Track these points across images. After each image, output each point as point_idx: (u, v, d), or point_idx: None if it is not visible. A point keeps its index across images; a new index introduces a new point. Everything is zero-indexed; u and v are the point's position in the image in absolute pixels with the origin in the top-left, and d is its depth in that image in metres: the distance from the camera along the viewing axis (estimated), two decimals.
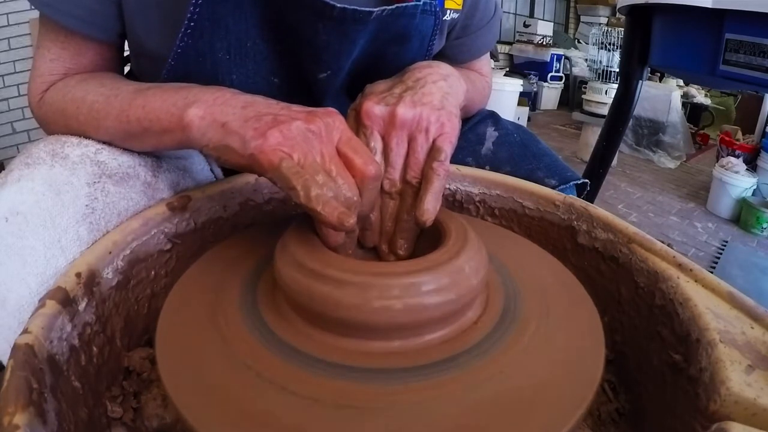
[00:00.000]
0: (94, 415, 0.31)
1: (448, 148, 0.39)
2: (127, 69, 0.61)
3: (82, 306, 0.32)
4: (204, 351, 0.31)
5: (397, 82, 0.43)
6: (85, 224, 0.37)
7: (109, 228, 0.39)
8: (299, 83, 0.51)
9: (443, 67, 0.46)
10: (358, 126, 0.40)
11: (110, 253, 0.36)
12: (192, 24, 0.42)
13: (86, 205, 0.38)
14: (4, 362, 0.32)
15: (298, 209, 0.33)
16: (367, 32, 0.47)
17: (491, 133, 0.61)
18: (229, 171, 0.56)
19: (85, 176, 0.39)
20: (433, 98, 0.41)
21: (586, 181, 0.58)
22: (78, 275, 0.33)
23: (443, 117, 0.39)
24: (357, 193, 0.34)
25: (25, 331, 0.27)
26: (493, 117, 0.64)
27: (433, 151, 0.38)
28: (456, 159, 0.58)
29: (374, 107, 0.39)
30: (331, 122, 0.35)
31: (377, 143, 0.39)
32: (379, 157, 0.38)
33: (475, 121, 0.63)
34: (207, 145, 0.37)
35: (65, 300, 0.31)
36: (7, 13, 2.09)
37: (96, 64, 0.50)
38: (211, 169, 0.54)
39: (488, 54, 0.68)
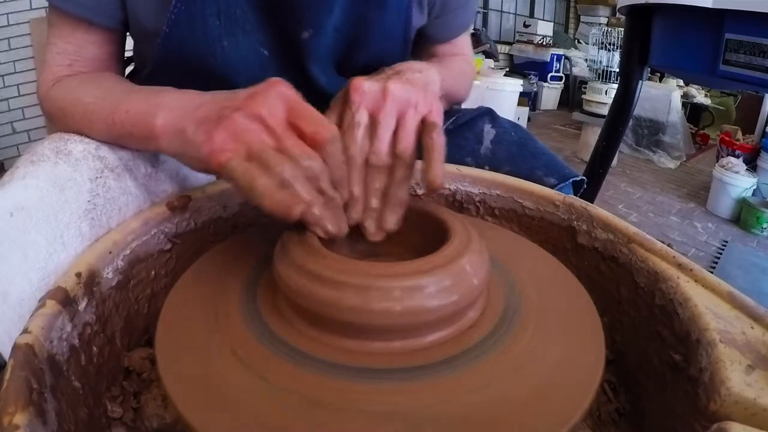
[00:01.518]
0: (94, 415, 0.31)
1: (440, 123, 0.39)
2: (127, 71, 0.62)
3: (82, 306, 0.32)
4: (204, 351, 0.31)
5: (379, 73, 0.44)
6: (87, 220, 0.38)
7: (111, 223, 0.39)
8: (288, 53, 0.53)
9: (416, 64, 0.47)
10: (344, 106, 0.39)
11: (110, 252, 0.36)
12: None
13: (88, 201, 0.38)
14: (4, 354, 0.32)
15: None
16: None
17: (489, 131, 0.61)
18: None
19: (88, 172, 0.40)
20: (418, 82, 0.42)
21: (584, 178, 0.59)
22: (78, 275, 0.33)
23: (430, 97, 0.40)
24: (318, 160, 0.33)
25: (25, 331, 0.27)
26: (490, 114, 0.64)
27: (427, 126, 0.38)
28: (455, 159, 0.58)
29: (364, 83, 0.38)
30: (273, 97, 0.34)
31: (362, 117, 0.38)
32: (362, 132, 0.37)
33: (472, 117, 0.63)
34: (175, 155, 0.38)
35: (65, 300, 0.31)
36: (7, 13, 2.09)
37: (99, 57, 0.51)
38: None
39: (468, 33, 0.70)
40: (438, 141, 0.37)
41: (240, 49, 0.50)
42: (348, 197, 0.37)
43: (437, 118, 0.39)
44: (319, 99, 0.58)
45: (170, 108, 0.38)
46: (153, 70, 0.53)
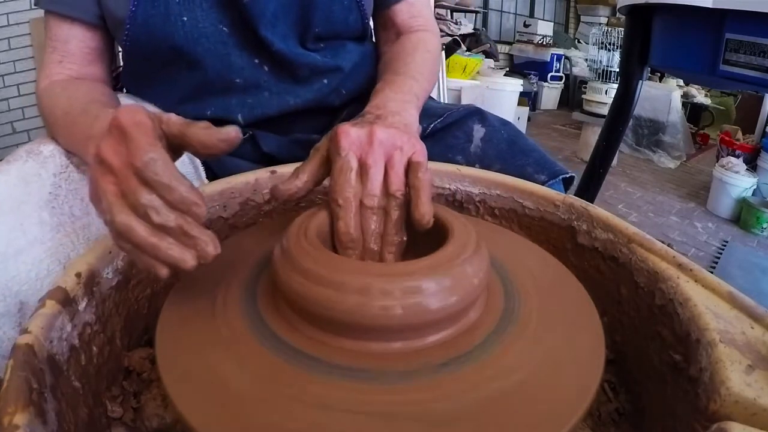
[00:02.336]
0: (94, 415, 0.31)
1: (425, 162, 0.40)
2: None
3: (82, 306, 0.32)
4: (204, 351, 0.31)
5: (362, 116, 0.44)
6: (47, 209, 0.42)
7: (73, 210, 0.43)
8: (242, 25, 0.56)
9: (393, 104, 0.49)
10: (332, 151, 0.39)
11: (110, 252, 0.36)
12: None
13: (50, 192, 0.43)
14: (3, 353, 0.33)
15: (298, 209, 0.33)
16: None
17: (478, 130, 0.62)
18: (216, 173, 0.58)
19: (53, 168, 0.45)
20: (399, 125, 0.43)
21: (573, 175, 0.60)
22: (78, 275, 0.33)
23: (412, 138, 0.41)
24: (143, 192, 0.29)
25: (25, 331, 0.27)
26: (480, 113, 0.64)
27: (413, 166, 0.39)
28: (446, 157, 0.58)
29: (350, 129, 0.39)
30: (114, 132, 0.31)
31: (353, 162, 0.38)
32: (354, 175, 0.38)
33: (462, 116, 0.63)
34: None
35: (65, 300, 0.31)
36: (7, 13, 2.09)
37: (83, 52, 0.57)
38: (193, 163, 0.57)
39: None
40: (424, 180, 0.38)
41: (200, 25, 0.55)
42: (345, 240, 0.37)
43: (422, 158, 0.40)
44: (287, 73, 0.60)
45: (95, 141, 0.35)
46: (128, 58, 0.57)
